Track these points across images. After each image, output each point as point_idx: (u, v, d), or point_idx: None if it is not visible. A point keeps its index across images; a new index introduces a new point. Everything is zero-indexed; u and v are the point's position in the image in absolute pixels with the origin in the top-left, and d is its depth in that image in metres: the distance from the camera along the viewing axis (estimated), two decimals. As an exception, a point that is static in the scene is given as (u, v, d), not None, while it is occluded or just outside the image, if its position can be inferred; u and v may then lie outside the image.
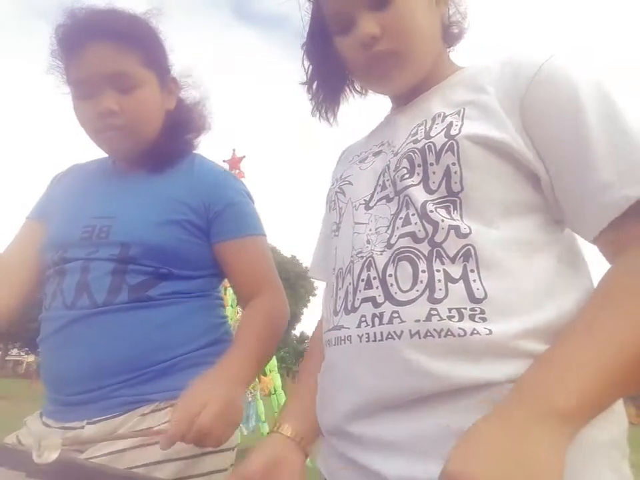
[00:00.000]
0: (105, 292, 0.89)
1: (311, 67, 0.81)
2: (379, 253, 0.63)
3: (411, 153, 0.65)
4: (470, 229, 0.58)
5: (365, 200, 0.70)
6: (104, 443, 0.83)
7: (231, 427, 0.80)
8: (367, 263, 0.63)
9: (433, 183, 0.62)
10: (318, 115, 0.83)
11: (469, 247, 0.58)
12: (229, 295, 4.84)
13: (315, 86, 0.82)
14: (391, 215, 0.64)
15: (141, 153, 1.00)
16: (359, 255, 0.65)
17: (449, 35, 0.78)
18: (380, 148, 0.75)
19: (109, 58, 0.90)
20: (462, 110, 0.65)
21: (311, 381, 0.75)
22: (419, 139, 0.66)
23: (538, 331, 0.54)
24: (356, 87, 0.84)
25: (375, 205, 0.68)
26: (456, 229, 0.59)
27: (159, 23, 0.98)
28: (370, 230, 0.66)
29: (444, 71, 0.75)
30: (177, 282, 0.94)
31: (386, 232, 0.64)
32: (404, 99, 0.77)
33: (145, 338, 0.89)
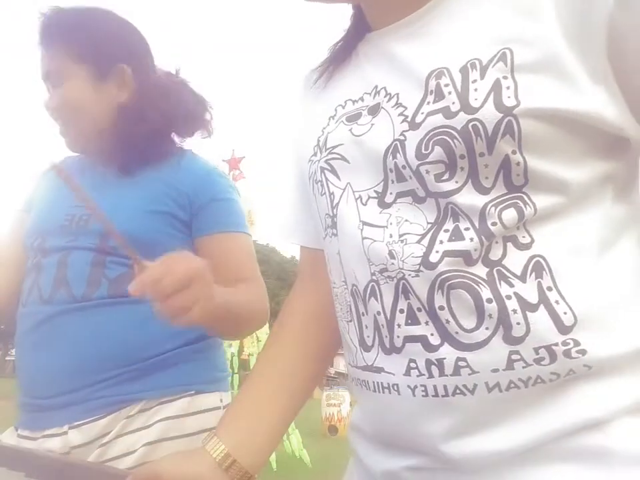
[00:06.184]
0: (84, 285, 0.87)
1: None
2: (412, 274, 0.47)
3: (445, 137, 0.45)
4: (531, 237, 0.45)
5: (375, 192, 0.50)
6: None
7: (205, 302, 0.69)
8: (400, 288, 0.48)
9: (486, 178, 0.45)
10: None
11: (537, 258, 0.44)
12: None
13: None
14: (428, 223, 0.47)
15: (108, 150, 0.97)
16: (385, 275, 0.49)
17: None
18: (375, 99, 0.53)
19: (43, 58, 0.94)
20: (507, 54, 0.44)
21: (269, 371, 0.63)
22: (453, 109, 0.45)
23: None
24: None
25: (393, 202, 0.49)
26: (513, 239, 0.45)
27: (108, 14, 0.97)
28: (390, 237, 0.48)
29: None
30: None
31: (418, 243, 0.47)
32: (390, 14, 0.54)
33: (128, 334, 0.86)
